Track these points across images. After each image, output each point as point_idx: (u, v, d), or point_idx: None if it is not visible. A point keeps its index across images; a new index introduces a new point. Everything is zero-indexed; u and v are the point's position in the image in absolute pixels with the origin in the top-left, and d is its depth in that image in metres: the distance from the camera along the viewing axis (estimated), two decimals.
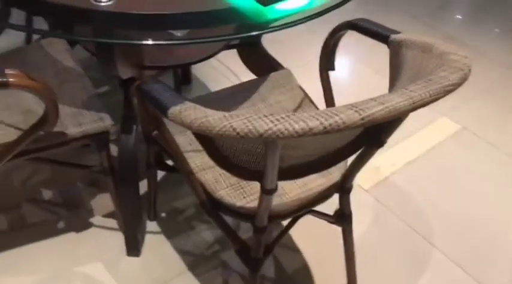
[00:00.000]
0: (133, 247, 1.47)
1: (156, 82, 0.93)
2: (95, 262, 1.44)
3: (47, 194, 1.63)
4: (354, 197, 1.72)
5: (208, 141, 0.90)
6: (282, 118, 0.71)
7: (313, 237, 1.58)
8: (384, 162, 1.89)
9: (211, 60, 2.31)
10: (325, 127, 0.69)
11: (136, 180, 1.36)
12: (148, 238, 1.53)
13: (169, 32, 1.16)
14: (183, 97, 0.85)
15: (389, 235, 1.61)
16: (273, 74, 1.43)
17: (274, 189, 0.93)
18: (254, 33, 1.12)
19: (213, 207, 1.12)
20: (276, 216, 1.10)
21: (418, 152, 1.95)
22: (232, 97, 1.38)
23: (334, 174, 1.17)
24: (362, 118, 0.70)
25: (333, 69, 1.32)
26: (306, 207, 1.13)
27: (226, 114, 0.74)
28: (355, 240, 1.57)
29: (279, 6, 1.12)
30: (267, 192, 0.93)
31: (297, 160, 0.95)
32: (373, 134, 1.01)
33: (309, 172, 1.01)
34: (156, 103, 0.87)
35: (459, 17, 2.89)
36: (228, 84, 1.45)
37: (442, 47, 0.92)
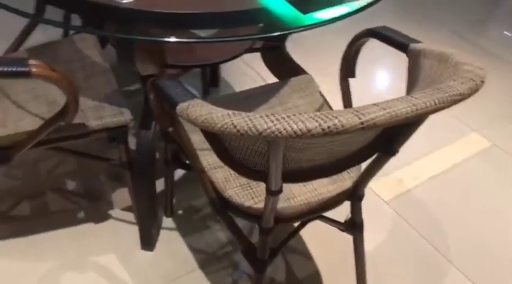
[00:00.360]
0: (148, 242, 1.50)
1: (169, 79, 0.95)
2: (109, 254, 1.48)
3: (71, 185, 1.69)
4: (373, 207, 1.69)
5: (216, 139, 0.92)
6: (282, 118, 0.71)
7: (326, 244, 1.56)
8: (407, 175, 1.85)
9: (240, 63, 2.34)
10: (323, 129, 0.69)
11: (152, 175, 1.39)
12: (163, 234, 1.55)
13: (191, 31, 1.18)
14: (194, 94, 0.87)
15: (406, 248, 1.58)
16: (293, 79, 1.43)
17: (279, 191, 0.93)
18: (275, 33, 1.12)
19: (222, 206, 1.13)
20: (283, 219, 1.10)
21: (444, 167, 1.91)
22: (252, 99, 1.39)
23: (346, 181, 1.16)
24: (362, 123, 0.70)
25: (353, 76, 1.32)
26: (314, 212, 1.13)
27: (230, 112, 0.75)
28: (370, 251, 1.54)
29: (318, 14, 1.11)
30: (271, 193, 0.93)
31: (305, 164, 0.95)
32: (385, 142, 0.99)
33: (317, 176, 1.01)
34: (167, 99, 0.89)
35: (508, 33, 2.80)
36: None
37: (458, 57, 0.90)
